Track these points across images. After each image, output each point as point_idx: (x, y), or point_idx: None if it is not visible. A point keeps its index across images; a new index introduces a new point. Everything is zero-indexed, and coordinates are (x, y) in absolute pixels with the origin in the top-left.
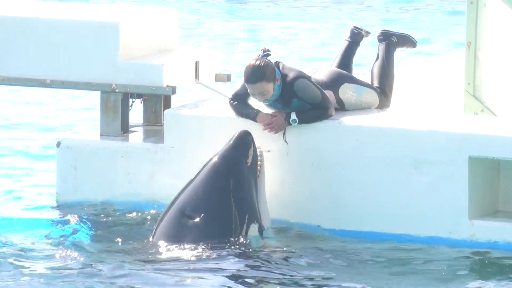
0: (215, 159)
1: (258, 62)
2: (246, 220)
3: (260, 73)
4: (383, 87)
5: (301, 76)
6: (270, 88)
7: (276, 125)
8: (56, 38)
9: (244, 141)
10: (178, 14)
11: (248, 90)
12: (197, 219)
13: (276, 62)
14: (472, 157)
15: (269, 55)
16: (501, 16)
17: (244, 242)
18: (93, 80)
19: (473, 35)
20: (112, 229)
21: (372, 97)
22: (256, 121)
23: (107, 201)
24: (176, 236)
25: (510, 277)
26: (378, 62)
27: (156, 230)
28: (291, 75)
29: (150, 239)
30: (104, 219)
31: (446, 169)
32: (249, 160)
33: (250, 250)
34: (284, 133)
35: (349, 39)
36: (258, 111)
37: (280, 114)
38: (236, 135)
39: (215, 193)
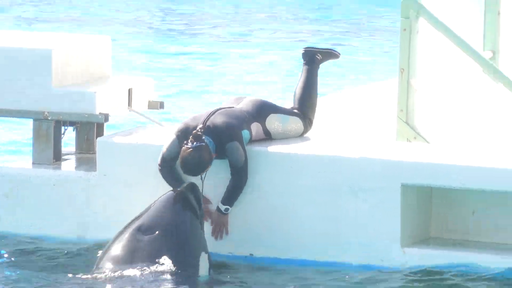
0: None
1: (195, 156)
2: (199, 249)
3: (200, 167)
4: (306, 112)
5: (233, 138)
6: (209, 168)
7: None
8: None
9: (195, 188)
10: (111, 42)
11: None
12: (153, 243)
13: (204, 122)
14: (405, 184)
15: (201, 139)
16: (434, 43)
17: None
18: (26, 107)
19: (406, 62)
20: (46, 258)
21: (296, 124)
22: None
23: (39, 230)
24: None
25: None
26: (302, 84)
27: (105, 253)
28: (224, 137)
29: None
30: (37, 247)
31: (379, 196)
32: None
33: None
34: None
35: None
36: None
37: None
38: (187, 185)
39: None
